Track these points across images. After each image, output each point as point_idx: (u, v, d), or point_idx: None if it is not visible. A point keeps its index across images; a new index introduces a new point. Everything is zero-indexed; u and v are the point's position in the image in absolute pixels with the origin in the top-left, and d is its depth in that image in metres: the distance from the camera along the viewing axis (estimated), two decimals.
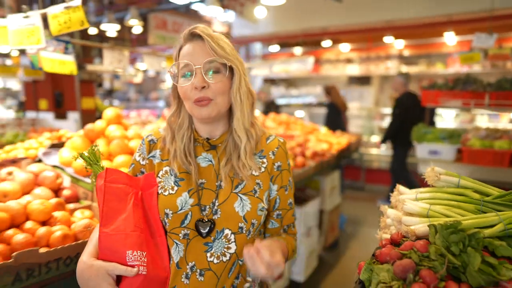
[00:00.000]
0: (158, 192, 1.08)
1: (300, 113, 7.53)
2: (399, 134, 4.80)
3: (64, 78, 4.76)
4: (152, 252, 0.99)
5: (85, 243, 1.15)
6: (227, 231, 1.05)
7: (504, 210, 1.01)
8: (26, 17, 1.86)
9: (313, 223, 3.33)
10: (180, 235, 1.05)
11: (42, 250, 1.21)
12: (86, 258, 0.94)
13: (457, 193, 1.14)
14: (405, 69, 7.20)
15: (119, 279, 0.93)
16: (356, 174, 6.84)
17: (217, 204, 1.05)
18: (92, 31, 5.75)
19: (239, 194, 1.07)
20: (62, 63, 2.42)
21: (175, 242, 1.06)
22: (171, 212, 1.04)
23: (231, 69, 1.06)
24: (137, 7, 5.38)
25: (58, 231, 1.36)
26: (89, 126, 2.13)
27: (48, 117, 4.87)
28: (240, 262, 1.07)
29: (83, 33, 4.53)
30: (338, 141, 3.95)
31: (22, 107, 6.38)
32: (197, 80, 1.01)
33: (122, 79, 8.89)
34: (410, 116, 4.69)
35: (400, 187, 1.27)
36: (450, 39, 6.69)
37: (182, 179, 1.08)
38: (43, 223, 1.47)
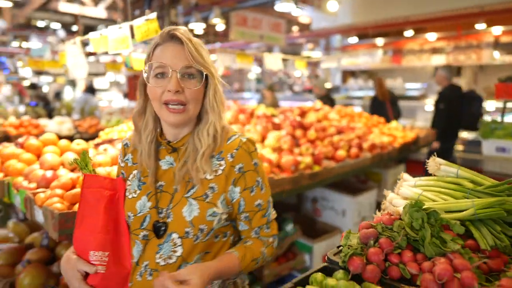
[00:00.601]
0: (126, 196, 1.13)
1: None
2: (444, 127, 4.66)
3: None
4: (115, 251, 1.08)
5: None
6: (174, 235, 1.05)
7: (496, 199, 1.09)
8: (120, 28, 2.36)
9: (368, 213, 3.41)
10: (140, 235, 1.08)
11: None
12: (69, 252, 1.07)
13: (453, 182, 1.24)
14: (507, 58, 6.48)
15: (88, 273, 1.05)
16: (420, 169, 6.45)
17: (171, 207, 1.07)
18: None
19: (189, 199, 1.06)
20: None
21: (136, 242, 1.10)
22: (132, 214, 1.09)
23: (206, 77, 1.07)
24: (220, 7, 5.88)
25: None
26: None
27: None
28: (187, 265, 1.07)
29: None
30: (403, 134, 3.89)
31: (126, 97, 7.47)
32: (172, 84, 1.01)
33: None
34: (453, 109, 4.62)
35: (405, 175, 1.39)
36: None
37: (144, 183, 1.11)
38: None
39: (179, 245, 1.05)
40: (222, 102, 1.11)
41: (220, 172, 1.08)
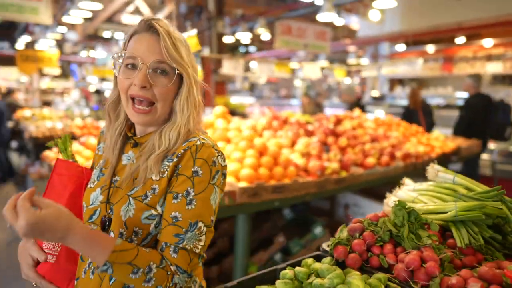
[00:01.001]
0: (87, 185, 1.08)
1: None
2: (467, 135, 4.63)
3: (206, 80, 5.86)
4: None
5: None
6: (111, 234, 0.96)
7: (477, 203, 1.18)
8: None
9: None
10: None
11: None
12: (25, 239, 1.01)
13: (448, 187, 1.33)
14: None
15: (39, 262, 1.01)
16: None
17: (114, 204, 0.98)
18: (229, 39, 6.82)
19: (130, 197, 0.96)
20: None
21: None
22: (85, 206, 1.03)
23: (181, 76, 0.98)
24: (265, 17, 6.15)
25: None
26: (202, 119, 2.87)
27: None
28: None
29: (220, 42, 5.53)
30: (442, 145, 3.83)
31: None
32: (139, 78, 0.92)
33: (250, 80, 10.01)
34: (478, 117, 4.66)
35: (406, 180, 1.50)
36: None
37: (103, 174, 1.04)
38: None
39: None
40: (194, 105, 1.00)
41: (166, 173, 0.96)
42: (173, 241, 0.90)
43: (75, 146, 2.82)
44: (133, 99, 0.96)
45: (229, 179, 2.27)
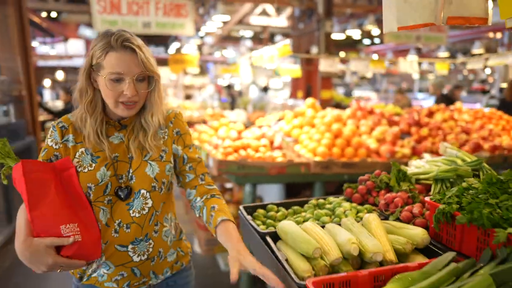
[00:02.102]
0: (77, 171, 1.22)
1: None
2: None
3: (313, 75, 6.52)
4: (82, 221, 1.16)
5: None
6: (143, 191, 1.26)
7: (452, 167, 1.60)
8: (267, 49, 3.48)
9: None
10: (104, 201, 1.23)
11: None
12: (24, 239, 1.05)
13: (449, 160, 1.75)
14: None
15: (58, 248, 1.09)
16: None
17: (131, 171, 1.25)
18: (339, 36, 7.25)
19: (149, 161, 1.27)
20: (291, 70, 3.98)
21: (101, 208, 1.24)
22: (93, 185, 1.21)
23: (152, 79, 1.25)
24: (374, 14, 6.41)
25: None
26: (297, 109, 3.59)
27: (300, 103, 6.84)
28: (157, 213, 1.30)
29: (328, 41, 6.04)
30: None
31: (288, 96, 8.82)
32: (131, 91, 1.17)
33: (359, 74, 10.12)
34: None
35: (425, 154, 1.93)
36: None
37: (98, 156, 1.24)
38: None
39: (149, 198, 1.27)
40: (161, 98, 1.30)
41: (166, 137, 1.33)
42: (205, 170, 1.41)
43: (204, 128, 3.88)
44: (122, 102, 1.20)
45: (307, 154, 2.94)
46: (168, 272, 1.37)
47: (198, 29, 8.68)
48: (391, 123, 3.61)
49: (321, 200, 1.71)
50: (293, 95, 7.55)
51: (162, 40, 12.63)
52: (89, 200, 1.24)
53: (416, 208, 1.40)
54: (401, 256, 1.23)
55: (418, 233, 1.25)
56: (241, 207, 1.61)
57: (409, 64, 4.40)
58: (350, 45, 14.35)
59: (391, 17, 1.20)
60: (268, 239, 1.32)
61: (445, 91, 5.36)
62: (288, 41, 3.08)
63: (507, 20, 1.27)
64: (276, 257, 1.22)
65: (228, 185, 4.25)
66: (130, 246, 1.26)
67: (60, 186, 1.17)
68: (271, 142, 3.30)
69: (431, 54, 11.08)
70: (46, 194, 1.13)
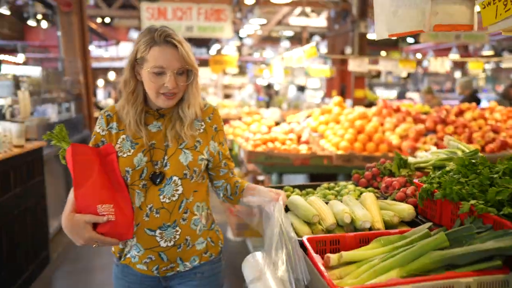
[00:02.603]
0: (118, 156, 1.31)
1: None
2: None
3: (347, 75, 6.65)
4: (118, 203, 1.25)
5: None
6: (175, 178, 1.31)
7: (448, 157, 1.78)
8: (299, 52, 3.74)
9: None
10: (140, 185, 1.30)
11: None
12: (68, 214, 1.20)
13: (451, 151, 1.93)
14: None
15: (95, 225, 1.20)
16: None
17: (166, 158, 1.31)
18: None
19: (183, 150, 1.33)
20: (321, 70, 4.21)
21: (136, 192, 1.31)
22: (130, 169, 1.29)
23: (191, 72, 1.31)
24: None
25: None
26: (324, 106, 3.82)
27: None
28: (187, 200, 1.34)
29: (362, 41, 6.14)
30: None
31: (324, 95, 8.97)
32: (171, 83, 1.24)
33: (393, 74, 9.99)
34: None
35: (432, 147, 2.10)
36: None
37: (136, 143, 1.31)
38: None
39: (179, 185, 1.32)
40: (198, 91, 1.38)
41: (202, 130, 1.39)
42: (233, 165, 1.52)
43: (238, 123, 4.21)
44: (163, 94, 1.28)
45: (331, 148, 3.17)
46: (196, 261, 1.39)
47: (237, 31, 9.09)
48: (417, 121, 3.72)
49: (332, 184, 1.97)
50: (328, 94, 7.72)
51: (203, 42, 13.26)
52: (127, 183, 1.31)
53: (409, 190, 1.62)
54: (390, 227, 1.46)
55: (405, 208, 1.48)
56: None
57: (440, 63, 4.44)
58: (393, 44, 14.12)
59: (382, 26, 1.44)
60: None
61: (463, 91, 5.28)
62: (314, 43, 3.33)
63: (489, 26, 1.47)
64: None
65: (260, 177, 4.56)
66: (157, 231, 1.31)
67: (102, 169, 1.27)
68: (299, 137, 3.56)
69: (477, 53, 10.68)
70: (89, 176, 1.23)
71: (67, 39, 5.58)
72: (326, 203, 1.57)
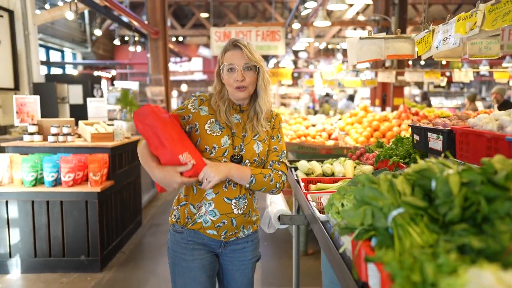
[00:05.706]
0: (201, 130, 1.55)
1: None
2: None
3: (388, 85, 7.32)
4: (189, 149, 1.45)
5: None
6: (247, 161, 1.57)
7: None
8: (332, 65, 4.69)
9: None
10: (221, 161, 1.54)
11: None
12: (157, 166, 1.45)
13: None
14: None
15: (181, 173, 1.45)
16: None
17: (243, 145, 1.57)
18: None
19: (257, 140, 1.59)
20: (353, 82, 5.08)
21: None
22: (217, 146, 1.54)
23: (257, 68, 1.54)
24: None
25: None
26: (352, 111, 4.71)
27: (377, 110, 7.68)
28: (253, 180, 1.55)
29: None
30: None
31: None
32: (239, 76, 1.50)
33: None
34: None
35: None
36: None
37: (223, 127, 1.57)
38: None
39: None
40: (269, 82, 1.61)
41: (268, 128, 1.65)
42: (276, 158, 1.65)
43: (283, 124, 5.23)
44: (236, 87, 1.54)
45: (351, 142, 4.07)
46: (250, 229, 1.68)
47: (291, 48, 10.20)
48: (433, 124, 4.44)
49: (334, 159, 2.92)
50: (372, 102, 8.43)
51: (263, 58, 14.55)
52: (210, 157, 1.54)
53: (371, 156, 2.54)
54: None
55: (368, 168, 2.41)
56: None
57: (464, 74, 4.94)
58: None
59: (353, 56, 2.39)
60: (293, 170, 2.62)
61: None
62: (340, 61, 4.25)
63: (423, 55, 2.36)
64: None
65: None
66: (233, 201, 1.57)
67: (171, 124, 1.45)
68: (329, 134, 4.50)
69: None
70: (169, 133, 1.41)
71: (153, 59, 7.13)
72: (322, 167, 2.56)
